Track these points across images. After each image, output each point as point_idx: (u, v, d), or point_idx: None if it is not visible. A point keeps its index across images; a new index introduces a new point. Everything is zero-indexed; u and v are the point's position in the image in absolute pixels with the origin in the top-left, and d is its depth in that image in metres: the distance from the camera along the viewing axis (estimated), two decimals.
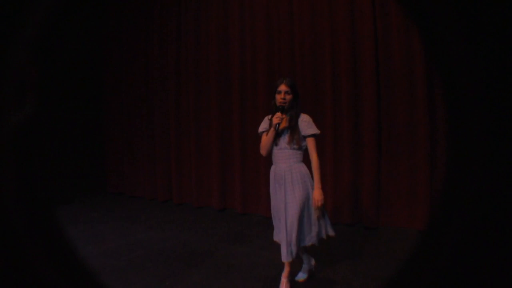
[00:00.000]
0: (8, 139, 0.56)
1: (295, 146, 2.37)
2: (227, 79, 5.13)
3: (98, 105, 6.77)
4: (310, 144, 2.41)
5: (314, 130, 2.42)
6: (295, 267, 2.66)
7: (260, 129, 2.52)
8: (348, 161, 4.17)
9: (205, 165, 5.39)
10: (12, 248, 0.57)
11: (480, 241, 0.54)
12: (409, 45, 3.88)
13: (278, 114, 2.34)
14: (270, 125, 2.42)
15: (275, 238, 2.51)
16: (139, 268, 2.98)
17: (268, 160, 2.65)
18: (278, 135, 2.39)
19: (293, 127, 2.38)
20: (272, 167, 2.48)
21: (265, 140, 2.42)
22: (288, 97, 2.38)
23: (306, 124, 2.41)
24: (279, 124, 2.34)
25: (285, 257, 2.31)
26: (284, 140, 2.39)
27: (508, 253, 0.52)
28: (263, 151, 2.45)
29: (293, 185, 2.35)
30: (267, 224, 3.35)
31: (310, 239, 2.38)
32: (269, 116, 2.49)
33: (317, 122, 4.35)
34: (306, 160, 2.46)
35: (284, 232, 2.31)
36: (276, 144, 2.40)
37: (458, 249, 0.55)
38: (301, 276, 2.65)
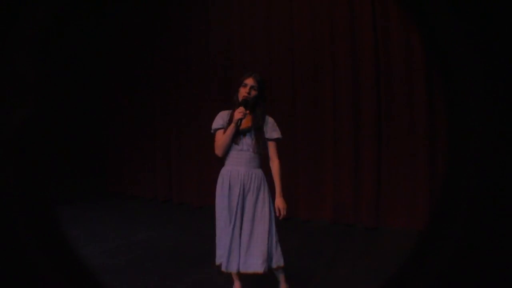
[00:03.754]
0: (8, 139, 0.56)
1: (258, 150, 2.14)
2: (228, 79, 5.13)
3: (98, 105, 6.77)
4: (273, 148, 2.19)
5: (278, 133, 2.21)
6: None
7: (215, 125, 2.21)
8: (348, 161, 4.17)
9: (205, 165, 5.39)
10: (12, 248, 0.57)
11: (480, 241, 0.54)
12: (409, 45, 3.88)
13: (241, 108, 2.06)
14: (230, 121, 2.14)
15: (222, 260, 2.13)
16: (139, 268, 2.98)
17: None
18: (238, 133, 2.12)
19: (260, 129, 2.15)
20: (226, 169, 2.19)
21: (223, 138, 2.12)
22: (253, 92, 2.13)
23: (271, 127, 2.20)
24: (241, 120, 2.05)
25: (261, 266, 2.03)
26: (246, 141, 2.13)
27: (508, 253, 0.52)
28: (220, 150, 2.16)
29: (257, 193, 2.12)
30: None
31: (276, 260, 2.13)
32: (227, 112, 2.23)
33: (317, 122, 4.41)
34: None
35: (247, 242, 2.07)
36: (237, 144, 2.12)
37: (458, 249, 0.55)
38: None
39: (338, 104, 4.25)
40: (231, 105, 2.22)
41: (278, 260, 2.13)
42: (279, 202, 2.13)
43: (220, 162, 5.50)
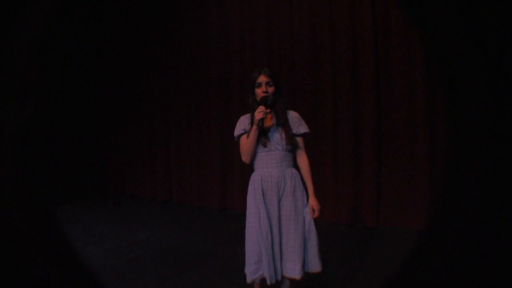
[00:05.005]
0: (9, 139, 0.56)
1: (289, 147, 1.98)
2: (228, 79, 5.14)
3: (98, 105, 6.77)
4: (301, 144, 2.04)
5: (305, 128, 2.05)
6: None
7: (237, 131, 2.05)
8: (348, 161, 4.17)
9: (205, 165, 5.39)
10: (13, 247, 0.57)
11: (479, 241, 0.54)
12: (409, 45, 3.88)
13: (261, 108, 1.90)
14: (251, 124, 1.98)
15: (252, 270, 2.00)
16: (139, 268, 2.98)
17: None
18: (263, 134, 1.96)
19: (285, 124, 1.99)
20: (257, 174, 2.00)
21: (248, 143, 1.96)
22: (271, 89, 1.97)
23: (297, 121, 2.04)
24: (263, 120, 1.90)
25: (299, 272, 1.92)
26: (274, 139, 1.97)
27: (508, 253, 0.52)
28: (247, 156, 1.99)
29: (292, 194, 1.97)
30: None
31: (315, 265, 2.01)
32: (247, 116, 2.08)
33: (317, 122, 4.41)
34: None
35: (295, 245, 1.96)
36: (264, 145, 1.96)
37: (458, 249, 0.55)
38: None
39: (338, 104, 4.25)
40: (249, 110, 2.08)
41: (316, 265, 2.00)
42: (313, 202, 2.00)
43: (220, 161, 5.44)
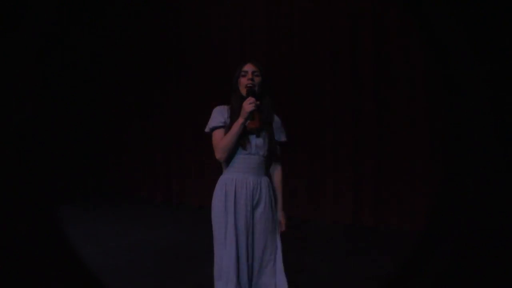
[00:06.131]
0: (9, 139, 0.56)
1: (269, 153, 1.77)
2: (228, 80, 5.13)
3: (98, 105, 6.77)
4: (278, 152, 1.83)
5: (285, 136, 1.86)
6: None
7: (214, 122, 1.76)
8: (348, 161, 4.18)
9: (205, 165, 5.39)
10: (13, 247, 0.57)
11: (479, 241, 0.54)
12: (409, 45, 3.88)
13: (251, 99, 1.65)
14: (233, 117, 1.72)
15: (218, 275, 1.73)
16: (139, 268, 2.98)
17: None
18: (244, 135, 1.71)
19: (269, 128, 1.79)
20: (230, 178, 1.76)
21: (228, 138, 1.69)
22: (257, 79, 1.75)
23: (280, 127, 1.84)
24: (252, 112, 1.65)
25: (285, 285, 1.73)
26: (255, 142, 1.73)
27: (508, 253, 0.52)
28: (224, 153, 1.72)
29: (269, 204, 1.76)
30: None
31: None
32: (224, 107, 1.80)
33: (317, 121, 4.41)
34: None
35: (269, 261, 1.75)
36: (243, 146, 1.71)
37: (458, 249, 0.55)
38: None
39: (338, 104, 4.25)
40: (229, 103, 1.82)
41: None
42: (282, 216, 1.83)
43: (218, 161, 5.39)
